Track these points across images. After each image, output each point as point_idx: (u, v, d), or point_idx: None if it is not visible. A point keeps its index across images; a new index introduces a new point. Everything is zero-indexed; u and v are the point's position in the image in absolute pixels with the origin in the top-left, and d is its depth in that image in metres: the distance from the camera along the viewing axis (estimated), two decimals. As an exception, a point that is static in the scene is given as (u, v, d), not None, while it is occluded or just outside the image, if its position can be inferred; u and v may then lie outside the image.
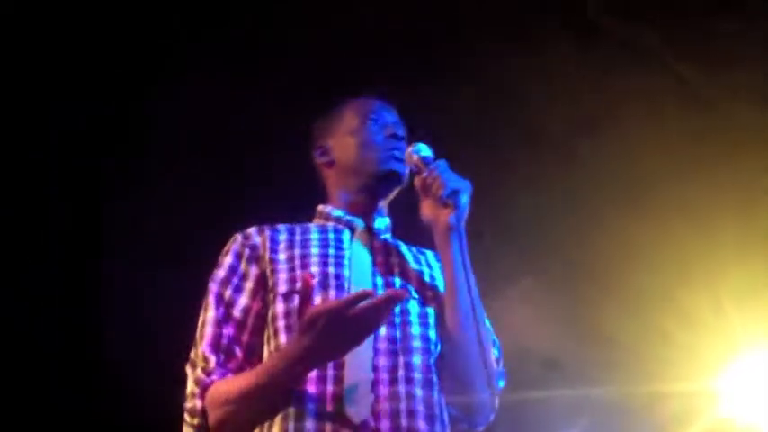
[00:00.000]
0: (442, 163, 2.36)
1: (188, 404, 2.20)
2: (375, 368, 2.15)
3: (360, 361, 2.13)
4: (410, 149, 2.42)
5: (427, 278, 2.41)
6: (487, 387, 2.21)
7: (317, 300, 2.19)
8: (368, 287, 2.24)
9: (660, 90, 4.13)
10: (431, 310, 2.32)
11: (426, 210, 2.34)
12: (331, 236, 2.42)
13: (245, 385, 2.12)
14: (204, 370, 2.20)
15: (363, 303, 2.00)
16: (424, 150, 2.40)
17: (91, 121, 3.64)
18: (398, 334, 2.22)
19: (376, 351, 2.17)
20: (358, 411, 2.08)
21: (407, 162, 2.44)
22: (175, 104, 3.60)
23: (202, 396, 2.17)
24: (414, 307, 2.30)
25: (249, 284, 2.32)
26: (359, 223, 2.46)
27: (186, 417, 2.21)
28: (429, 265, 2.47)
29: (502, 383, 2.44)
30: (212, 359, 2.21)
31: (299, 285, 2.23)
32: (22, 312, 3.83)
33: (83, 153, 3.72)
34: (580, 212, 4.48)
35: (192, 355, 2.26)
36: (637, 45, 4.04)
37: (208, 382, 2.18)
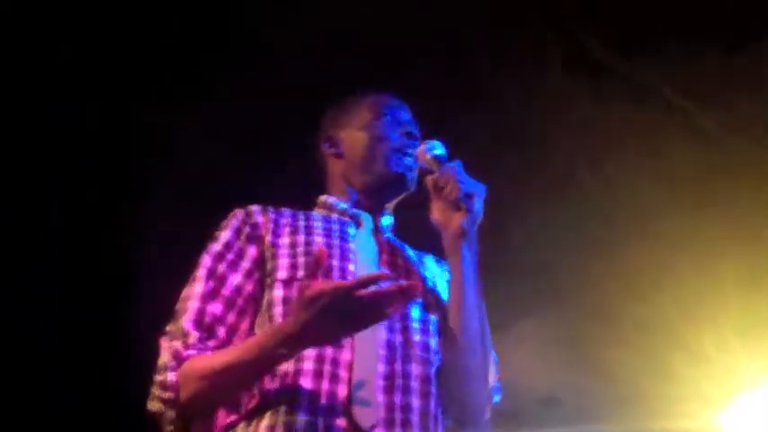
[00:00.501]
0: (457, 164, 2.27)
1: (159, 377, 2.08)
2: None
3: (367, 362, 2.06)
4: (423, 147, 2.35)
5: (430, 283, 2.32)
6: (486, 398, 2.18)
7: None
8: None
9: (664, 124, 4.15)
10: (433, 318, 2.23)
11: (437, 212, 2.26)
12: (335, 227, 2.32)
13: (227, 359, 2.03)
14: (183, 344, 2.10)
15: (373, 288, 1.89)
16: (438, 149, 2.34)
17: (91, 121, 3.70)
18: (398, 340, 2.13)
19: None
20: (367, 415, 2.01)
21: (419, 159, 2.37)
22: (174, 106, 3.66)
23: (177, 369, 2.06)
24: (416, 312, 2.20)
25: (245, 264, 2.21)
26: (365, 218, 2.37)
27: (156, 390, 2.09)
28: (431, 271, 2.39)
29: (497, 398, 2.34)
30: (193, 335, 2.11)
31: (300, 273, 2.14)
32: (23, 312, 3.89)
33: (83, 154, 3.80)
34: (582, 247, 4.49)
35: (170, 327, 2.15)
36: (640, 80, 4.07)
37: (185, 355, 2.08)
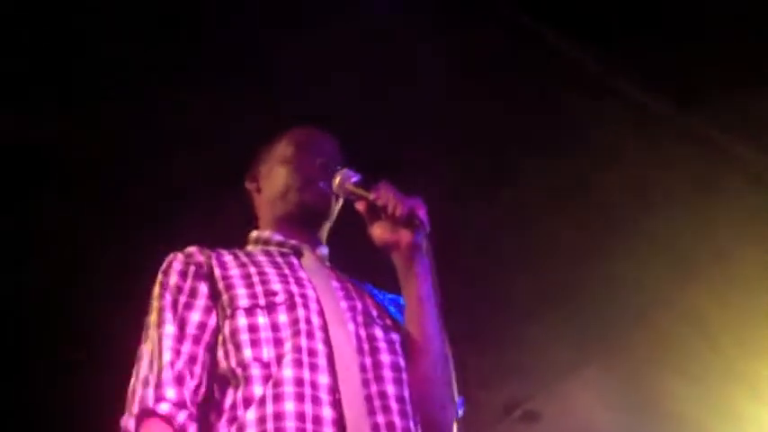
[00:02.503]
0: (387, 183, 2.27)
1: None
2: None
3: (349, 384, 2.03)
4: (340, 178, 2.33)
5: (382, 306, 2.29)
6: (454, 413, 2.13)
7: (285, 318, 2.08)
8: (336, 308, 2.15)
9: (728, 170, 4.13)
10: (395, 337, 2.20)
11: (381, 232, 2.25)
12: (279, 259, 2.28)
13: None
14: (170, 407, 1.96)
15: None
16: (354, 177, 2.32)
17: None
18: (369, 362, 2.11)
19: None
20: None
21: (340, 192, 2.35)
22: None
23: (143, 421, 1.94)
24: (379, 333, 2.18)
25: (200, 301, 2.13)
26: (305, 249, 2.33)
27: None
28: (377, 295, 2.35)
29: (461, 412, 2.25)
30: (176, 391, 1.98)
31: (262, 301, 2.10)
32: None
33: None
34: (643, 289, 4.46)
35: (146, 394, 1.97)
36: (696, 126, 4.05)
37: (172, 414, 1.95)
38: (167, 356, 2.01)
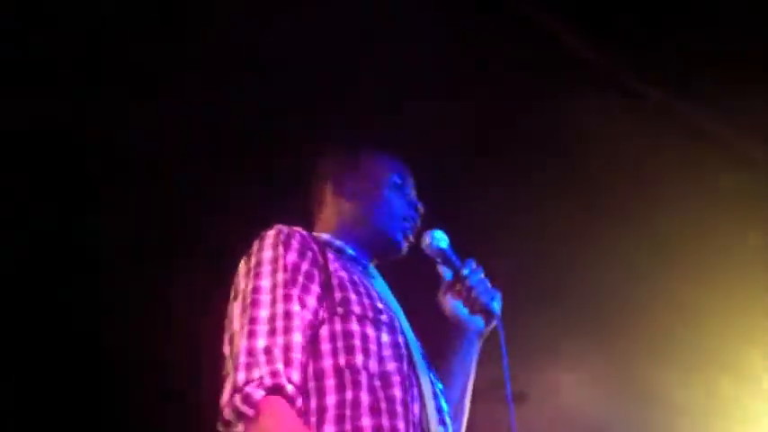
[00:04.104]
0: (474, 264, 2.37)
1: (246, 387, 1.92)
2: None
3: (433, 421, 2.09)
4: (432, 237, 2.40)
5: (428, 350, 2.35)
6: None
7: (387, 338, 2.10)
8: (414, 342, 2.19)
9: (717, 155, 4.13)
10: (442, 387, 2.26)
11: (455, 306, 2.36)
12: (361, 274, 2.29)
13: None
14: (291, 389, 1.94)
15: None
16: (444, 241, 2.40)
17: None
18: (434, 403, 2.15)
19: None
20: None
21: (430, 250, 2.40)
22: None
23: (270, 394, 1.91)
24: (433, 379, 2.21)
25: (315, 288, 2.10)
26: (375, 272, 2.38)
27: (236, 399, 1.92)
28: None
29: None
30: (300, 376, 1.97)
31: (370, 314, 2.10)
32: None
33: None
34: (634, 275, 4.49)
35: (276, 369, 1.94)
36: (689, 112, 4.05)
37: (294, 397, 1.94)
38: (298, 337, 1.99)
